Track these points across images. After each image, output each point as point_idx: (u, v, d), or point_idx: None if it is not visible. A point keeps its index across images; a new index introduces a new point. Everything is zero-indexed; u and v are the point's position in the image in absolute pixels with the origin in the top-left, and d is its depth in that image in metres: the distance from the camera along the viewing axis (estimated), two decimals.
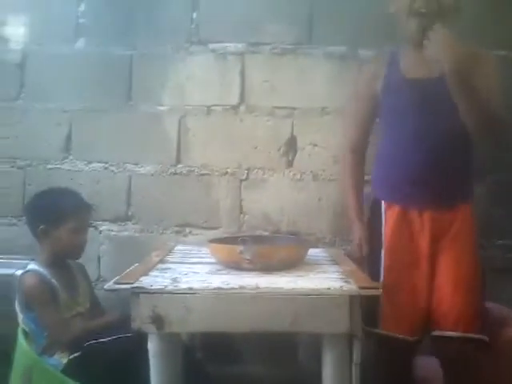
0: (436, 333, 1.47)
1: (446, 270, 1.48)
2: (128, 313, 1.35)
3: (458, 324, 1.44)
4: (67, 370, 1.54)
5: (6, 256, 1.98)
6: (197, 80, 2.05)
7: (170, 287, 1.25)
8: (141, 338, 1.29)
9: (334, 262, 1.62)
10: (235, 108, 2.04)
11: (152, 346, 1.28)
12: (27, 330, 1.62)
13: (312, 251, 1.66)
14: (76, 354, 1.54)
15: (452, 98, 1.40)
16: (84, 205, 1.72)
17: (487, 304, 1.63)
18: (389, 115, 1.62)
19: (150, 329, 1.23)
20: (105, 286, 1.29)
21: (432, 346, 1.51)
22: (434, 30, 1.37)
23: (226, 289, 1.24)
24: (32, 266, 1.64)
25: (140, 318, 1.23)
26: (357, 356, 1.25)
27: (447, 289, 1.46)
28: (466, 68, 1.37)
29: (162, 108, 2.06)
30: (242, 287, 1.25)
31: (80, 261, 1.82)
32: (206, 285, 1.27)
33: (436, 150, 1.49)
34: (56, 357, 1.57)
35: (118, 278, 1.31)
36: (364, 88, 1.70)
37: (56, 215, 1.64)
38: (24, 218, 1.78)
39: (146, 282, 1.29)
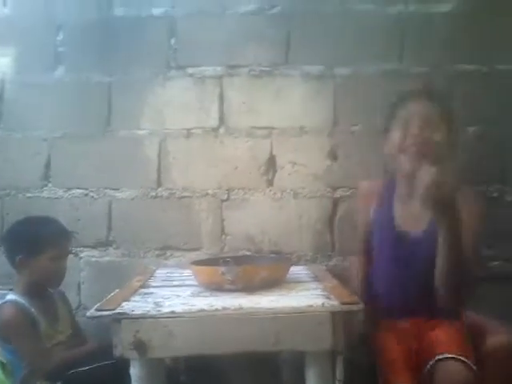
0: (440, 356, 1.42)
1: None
2: (109, 340, 1.34)
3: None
4: None
5: None
6: (176, 104, 2.06)
7: (153, 312, 1.24)
8: (123, 365, 1.27)
9: (316, 278, 1.63)
10: (215, 130, 2.06)
11: (135, 371, 1.26)
12: (4, 361, 1.59)
13: (294, 269, 1.67)
14: None
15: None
16: (64, 232, 1.71)
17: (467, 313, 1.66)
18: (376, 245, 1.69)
19: (133, 355, 1.22)
20: (87, 314, 1.28)
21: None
22: (423, 169, 1.31)
23: (210, 310, 1.24)
24: (10, 296, 1.62)
25: (122, 345, 1.21)
26: (340, 372, 1.25)
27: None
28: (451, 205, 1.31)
29: (141, 132, 2.07)
30: (225, 308, 1.24)
31: (60, 288, 1.81)
32: (188, 307, 1.26)
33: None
34: None
35: (99, 304, 1.29)
36: (361, 204, 1.78)
37: (35, 244, 1.62)
38: (1, 247, 1.76)
39: (127, 307, 1.28)
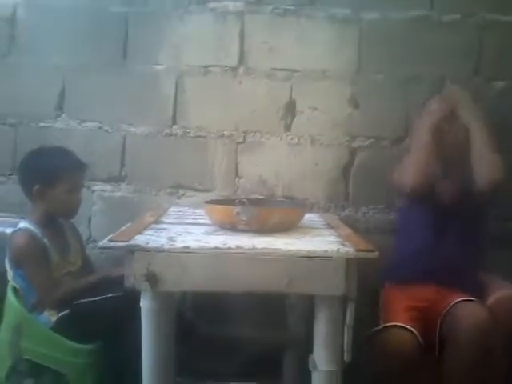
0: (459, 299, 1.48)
1: None
2: (118, 271, 1.35)
3: None
4: (56, 328, 1.55)
5: None
6: (195, 40, 2.00)
7: (166, 246, 1.23)
8: (131, 297, 1.27)
9: (330, 226, 1.61)
10: (234, 69, 2.00)
11: (145, 304, 1.26)
12: (17, 286, 1.61)
13: (307, 216, 1.65)
14: (65, 312, 1.54)
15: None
16: (80, 164, 1.69)
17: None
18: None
19: (144, 287, 1.21)
20: (99, 244, 1.27)
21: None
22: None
23: (224, 248, 1.23)
24: (23, 224, 1.62)
25: (134, 276, 1.21)
26: (350, 318, 1.25)
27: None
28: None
29: (158, 67, 2.01)
30: (239, 247, 1.23)
31: (71, 220, 1.81)
32: (202, 244, 1.25)
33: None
34: (45, 314, 1.57)
35: (112, 235, 1.28)
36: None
37: (52, 175, 1.61)
38: (15, 176, 1.74)
39: (140, 240, 1.27)
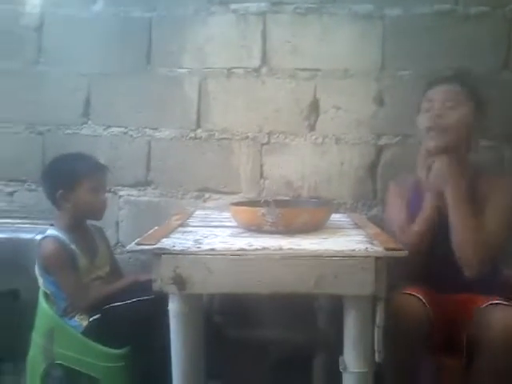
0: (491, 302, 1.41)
1: None
2: (146, 276, 1.35)
3: None
4: (87, 332, 1.56)
5: (26, 221, 2.00)
6: (217, 41, 2.00)
7: (193, 248, 1.23)
8: (160, 301, 1.28)
9: (357, 225, 1.59)
10: (257, 70, 1.99)
11: (173, 306, 1.26)
12: (48, 292, 1.63)
13: (334, 216, 1.63)
14: (95, 317, 1.56)
15: None
16: (98, 165, 1.72)
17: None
18: None
19: (172, 289, 1.22)
20: (127, 247, 1.28)
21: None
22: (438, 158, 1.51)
23: (250, 250, 1.22)
24: (51, 231, 1.64)
25: (161, 279, 1.21)
26: (380, 319, 1.22)
27: None
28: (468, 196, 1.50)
29: (181, 71, 2.02)
30: (265, 248, 1.22)
31: (100, 226, 1.83)
32: (228, 246, 1.25)
33: None
34: (76, 319, 1.60)
35: (139, 239, 1.29)
36: (396, 194, 1.72)
37: (72, 178, 1.64)
38: (41, 185, 1.77)
39: (167, 243, 1.27)
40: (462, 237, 1.48)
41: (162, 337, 1.31)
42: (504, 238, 1.53)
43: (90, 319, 1.57)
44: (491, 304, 1.39)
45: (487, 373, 1.35)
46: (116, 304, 1.55)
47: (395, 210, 1.67)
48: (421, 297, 1.41)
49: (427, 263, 1.50)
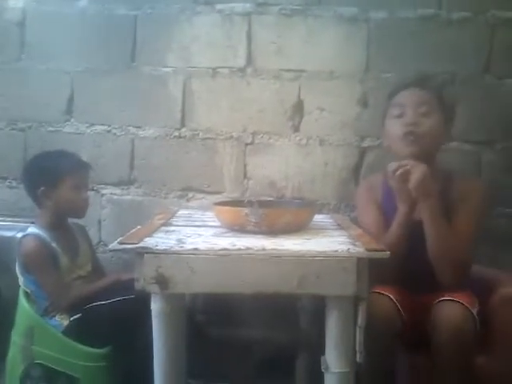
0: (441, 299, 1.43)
1: None
2: (129, 275, 1.34)
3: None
4: (68, 332, 1.56)
5: (7, 219, 1.97)
6: (202, 41, 2.00)
7: (176, 248, 1.23)
8: (142, 300, 1.28)
9: (340, 226, 1.60)
10: (242, 70, 1.99)
11: (155, 306, 1.26)
12: (28, 291, 1.61)
13: (317, 217, 1.64)
14: (76, 316, 1.55)
15: None
16: (81, 163, 1.71)
17: (481, 269, 1.65)
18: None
19: (154, 289, 1.21)
20: (109, 246, 1.27)
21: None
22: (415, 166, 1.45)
23: (233, 250, 1.22)
24: (32, 229, 1.63)
25: (144, 279, 1.21)
26: (361, 319, 1.23)
27: None
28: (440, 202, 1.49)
29: (166, 70, 2.01)
30: (248, 248, 1.22)
31: (82, 224, 1.81)
32: (211, 246, 1.25)
33: None
34: (57, 318, 1.58)
35: (121, 238, 1.28)
36: (366, 196, 1.71)
37: (54, 175, 1.63)
38: (22, 182, 1.75)
39: (150, 242, 1.27)
40: (437, 248, 1.49)
41: (145, 336, 1.30)
42: (475, 239, 1.55)
43: (71, 319, 1.56)
44: (440, 301, 1.41)
45: (439, 370, 1.38)
46: (97, 303, 1.54)
47: (367, 216, 1.66)
48: (391, 296, 1.42)
49: (400, 266, 1.49)
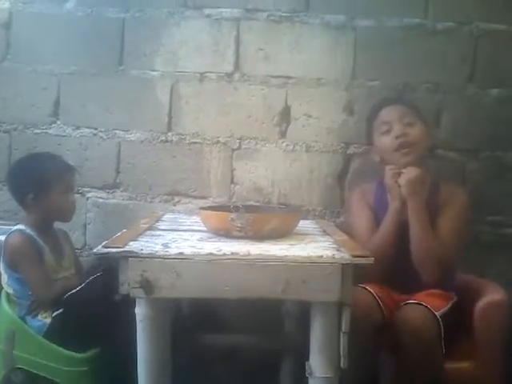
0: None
1: None
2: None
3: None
4: (52, 330, 1.53)
5: None
6: (190, 46, 2.00)
7: (161, 252, 1.22)
8: (110, 274, 1.29)
9: (325, 232, 1.61)
10: (229, 76, 2.00)
11: (140, 311, 1.25)
12: (11, 291, 1.60)
13: (302, 222, 1.65)
14: (58, 311, 1.53)
15: None
16: (68, 167, 1.71)
17: (465, 276, 1.73)
18: None
19: (139, 293, 1.21)
20: (94, 250, 1.26)
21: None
22: (409, 169, 1.62)
23: (218, 255, 1.22)
24: (19, 226, 1.62)
25: (128, 283, 1.20)
26: (346, 325, 1.24)
27: None
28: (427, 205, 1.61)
29: (154, 73, 2.01)
30: (233, 253, 1.23)
31: (66, 228, 1.81)
32: (197, 250, 1.24)
33: None
34: (39, 317, 1.57)
35: (106, 242, 1.28)
36: (360, 202, 1.79)
37: (44, 182, 1.62)
38: (7, 186, 1.73)
39: (135, 246, 1.26)
40: (420, 248, 1.58)
41: (128, 339, 1.29)
42: (458, 246, 1.63)
43: (53, 315, 1.54)
44: (404, 304, 1.48)
45: (404, 372, 1.44)
46: (71, 292, 1.53)
47: (360, 221, 1.74)
48: (371, 290, 1.50)
49: (387, 264, 1.57)
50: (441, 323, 1.41)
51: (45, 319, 1.56)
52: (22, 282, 1.57)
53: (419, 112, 1.75)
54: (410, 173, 1.61)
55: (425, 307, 1.43)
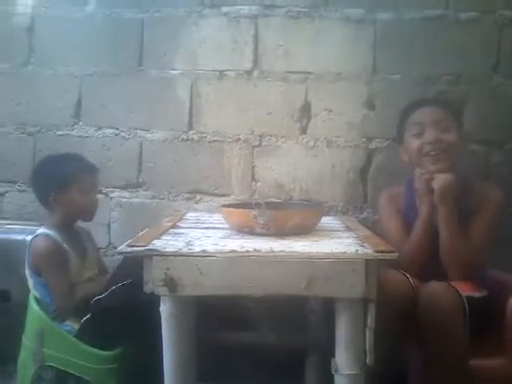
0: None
1: None
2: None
3: None
4: (82, 334, 1.54)
5: (16, 222, 1.99)
6: (209, 44, 2.01)
7: (184, 250, 1.23)
8: (139, 283, 1.26)
9: (348, 228, 1.60)
10: (248, 73, 2.00)
11: (164, 308, 1.26)
12: (37, 295, 1.62)
13: (325, 219, 1.64)
14: (87, 317, 1.54)
15: None
16: (89, 166, 1.71)
17: (494, 272, 1.69)
18: None
19: (163, 292, 1.22)
20: (118, 249, 1.28)
21: None
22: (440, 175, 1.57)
23: (241, 252, 1.22)
24: (42, 229, 1.63)
25: (153, 281, 1.21)
26: (371, 321, 1.23)
27: None
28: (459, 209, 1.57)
29: (173, 73, 2.02)
30: (256, 250, 1.23)
31: (90, 227, 1.82)
32: (220, 248, 1.25)
33: None
34: (68, 323, 1.58)
35: (130, 240, 1.29)
36: (389, 207, 1.76)
37: (64, 180, 1.63)
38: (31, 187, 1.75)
39: (158, 244, 1.27)
40: (449, 252, 1.56)
41: (156, 338, 1.30)
42: (489, 244, 1.60)
43: (82, 321, 1.56)
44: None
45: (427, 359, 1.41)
46: (98, 297, 1.52)
47: (390, 225, 1.72)
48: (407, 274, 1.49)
49: (420, 268, 1.57)
50: (465, 303, 1.39)
51: (73, 324, 1.57)
52: (47, 287, 1.59)
53: (456, 115, 1.69)
54: (441, 180, 1.56)
55: (448, 284, 1.42)
